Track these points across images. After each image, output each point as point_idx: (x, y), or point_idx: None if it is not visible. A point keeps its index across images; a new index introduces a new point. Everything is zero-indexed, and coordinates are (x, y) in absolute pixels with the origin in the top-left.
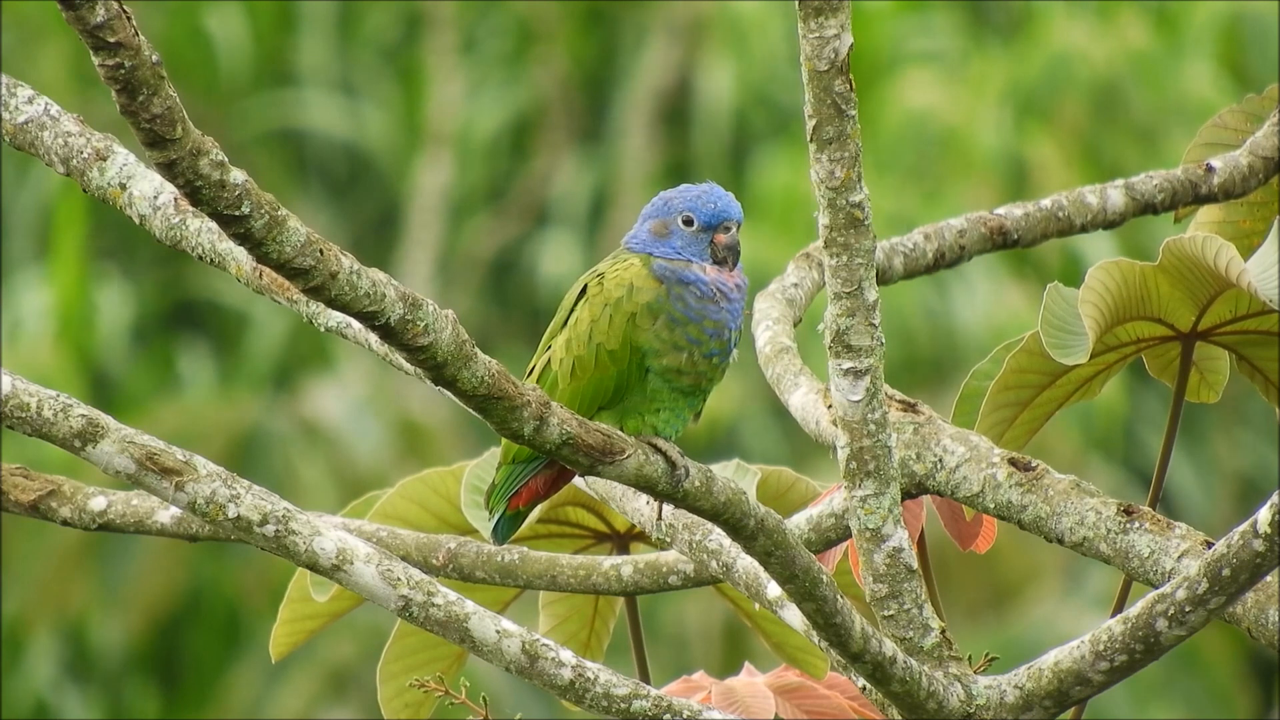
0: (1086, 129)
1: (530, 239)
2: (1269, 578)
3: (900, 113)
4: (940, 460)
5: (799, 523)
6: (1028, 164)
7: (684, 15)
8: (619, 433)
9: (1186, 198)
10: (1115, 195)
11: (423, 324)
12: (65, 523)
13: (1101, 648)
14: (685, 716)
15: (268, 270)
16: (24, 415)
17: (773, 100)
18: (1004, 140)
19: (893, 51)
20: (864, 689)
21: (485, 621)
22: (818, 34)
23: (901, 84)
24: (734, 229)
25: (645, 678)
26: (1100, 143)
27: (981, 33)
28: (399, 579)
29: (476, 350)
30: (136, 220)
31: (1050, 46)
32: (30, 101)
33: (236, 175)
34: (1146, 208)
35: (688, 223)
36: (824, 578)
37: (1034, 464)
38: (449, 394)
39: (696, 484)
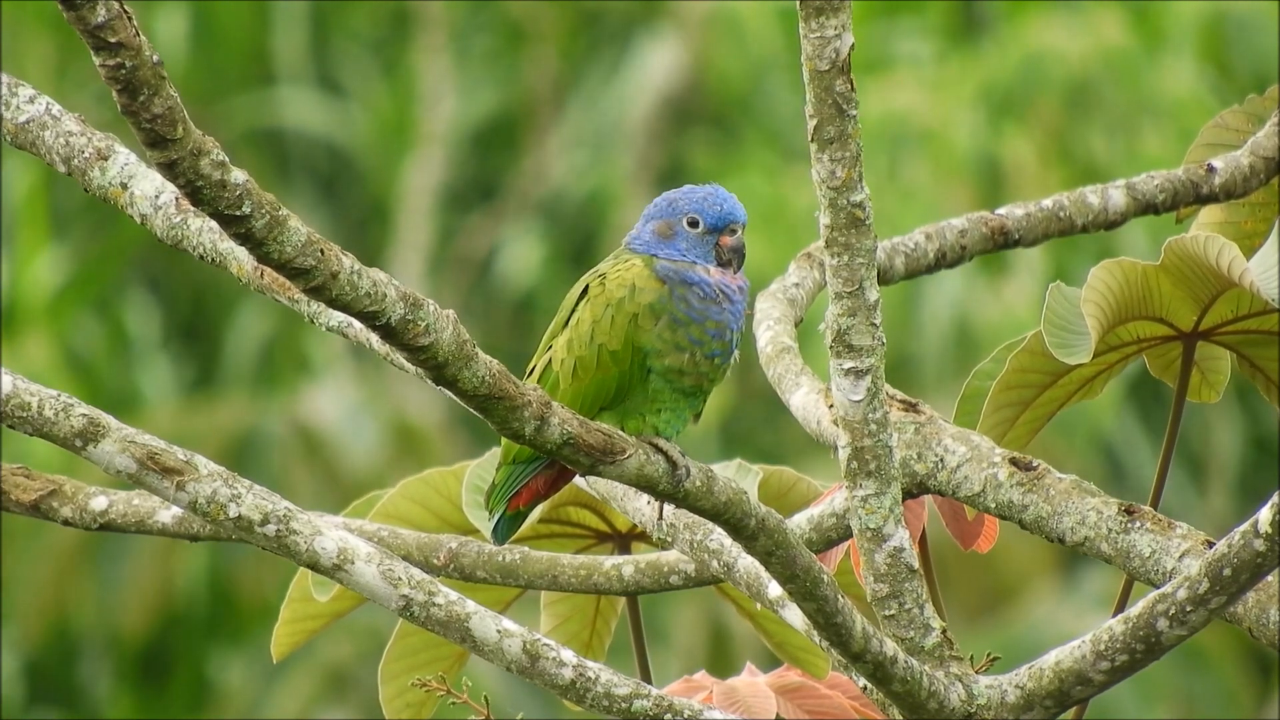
0: (1062, 128)
1: (515, 235)
2: (1270, 577)
3: (876, 114)
4: (941, 460)
5: (800, 522)
6: (1003, 164)
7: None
8: (620, 433)
9: (1188, 198)
10: (1116, 195)
11: (424, 324)
12: (66, 522)
13: (1103, 647)
14: (686, 716)
15: (269, 270)
16: (25, 415)
17: (711, 90)
18: (979, 140)
19: (868, 53)
20: (865, 689)
21: (486, 621)
22: (819, 34)
23: (877, 85)
24: (739, 231)
25: (647, 677)
26: (1076, 141)
27: (957, 33)
28: (400, 579)
29: (477, 350)
30: (138, 220)
31: (1025, 46)
32: (32, 101)
33: (237, 175)
34: (1148, 208)
35: (693, 224)
36: (825, 577)
37: (1035, 464)
38: (449, 394)
39: (697, 484)
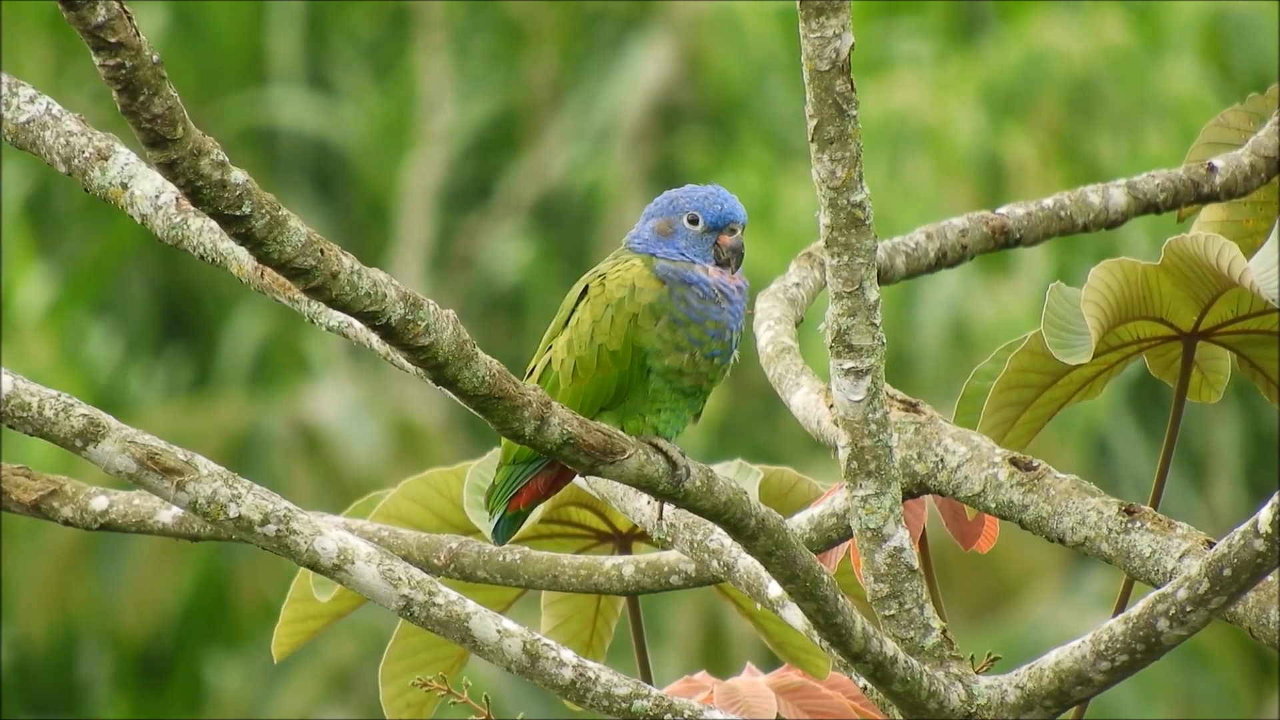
0: (1064, 127)
1: (512, 235)
2: (1270, 577)
3: (878, 114)
4: (942, 460)
5: (800, 522)
6: (1005, 162)
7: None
8: (620, 433)
9: (1189, 197)
10: (1117, 195)
11: (424, 324)
12: (67, 522)
13: (1103, 647)
14: (686, 716)
15: (269, 270)
16: (25, 415)
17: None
18: (981, 140)
19: (869, 54)
20: (865, 689)
21: (486, 621)
22: (819, 34)
23: (879, 85)
24: (739, 231)
25: (647, 677)
26: (1078, 140)
27: (957, 33)
28: (400, 579)
29: (477, 350)
30: (138, 220)
31: (1027, 45)
32: (32, 101)
33: (237, 175)
34: (1149, 207)
35: (693, 222)
36: (825, 577)
37: (1035, 464)
38: (449, 394)
39: (697, 484)
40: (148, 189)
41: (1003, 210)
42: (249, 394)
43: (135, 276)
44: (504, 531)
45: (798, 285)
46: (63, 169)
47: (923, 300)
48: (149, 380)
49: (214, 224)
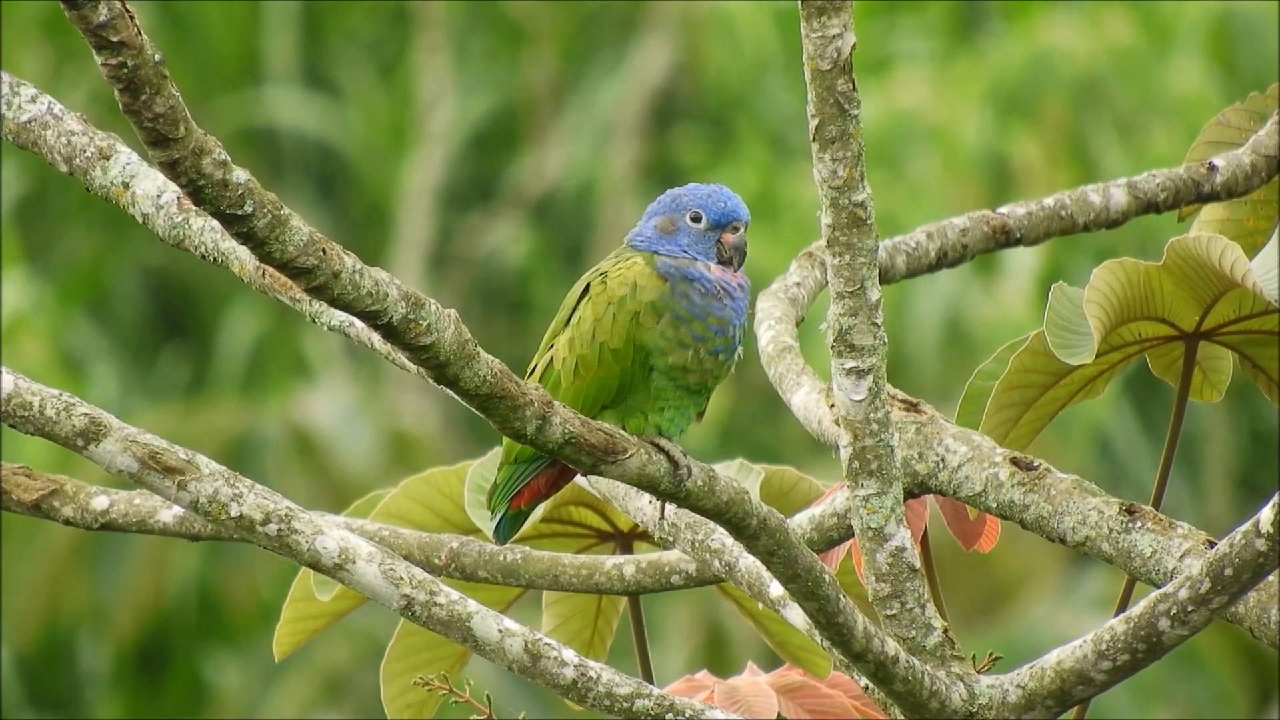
0: (1069, 126)
1: (512, 235)
2: (1271, 577)
3: (883, 113)
4: (943, 460)
5: (801, 522)
6: (1011, 161)
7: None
8: (621, 432)
9: (1189, 196)
10: (1118, 194)
11: (425, 323)
12: (68, 522)
13: (1104, 647)
14: (687, 716)
15: (270, 269)
16: (27, 414)
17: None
18: (987, 138)
19: (873, 53)
20: (867, 689)
21: (488, 621)
22: (820, 33)
23: (884, 83)
24: (741, 229)
25: (648, 677)
26: (1083, 140)
27: (965, 31)
28: (401, 578)
29: (479, 349)
30: (140, 219)
31: (1032, 44)
32: (33, 100)
33: (239, 175)
34: (1149, 206)
35: (696, 220)
36: (826, 577)
37: (1036, 463)
38: (451, 393)
39: (699, 483)
40: (149, 188)
41: (1003, 210)
42: (244, 395)
43: (130, 277)
44: (505, 531)
45: (798, 285)
46: (64, 168)
47: (917, 300)
48: (146, 382)
49: (215, 223)
